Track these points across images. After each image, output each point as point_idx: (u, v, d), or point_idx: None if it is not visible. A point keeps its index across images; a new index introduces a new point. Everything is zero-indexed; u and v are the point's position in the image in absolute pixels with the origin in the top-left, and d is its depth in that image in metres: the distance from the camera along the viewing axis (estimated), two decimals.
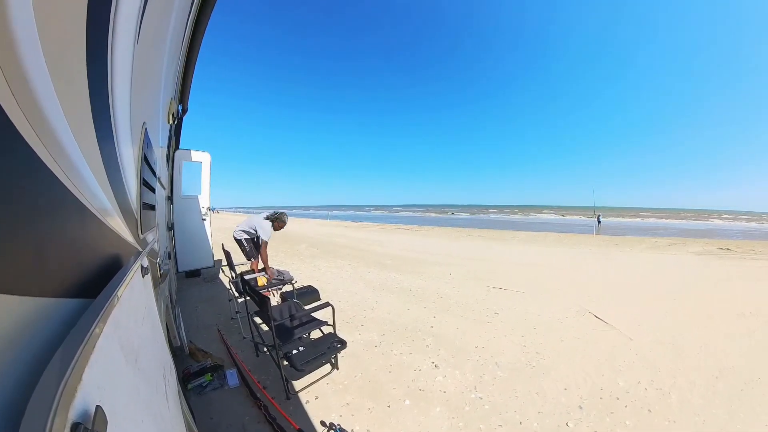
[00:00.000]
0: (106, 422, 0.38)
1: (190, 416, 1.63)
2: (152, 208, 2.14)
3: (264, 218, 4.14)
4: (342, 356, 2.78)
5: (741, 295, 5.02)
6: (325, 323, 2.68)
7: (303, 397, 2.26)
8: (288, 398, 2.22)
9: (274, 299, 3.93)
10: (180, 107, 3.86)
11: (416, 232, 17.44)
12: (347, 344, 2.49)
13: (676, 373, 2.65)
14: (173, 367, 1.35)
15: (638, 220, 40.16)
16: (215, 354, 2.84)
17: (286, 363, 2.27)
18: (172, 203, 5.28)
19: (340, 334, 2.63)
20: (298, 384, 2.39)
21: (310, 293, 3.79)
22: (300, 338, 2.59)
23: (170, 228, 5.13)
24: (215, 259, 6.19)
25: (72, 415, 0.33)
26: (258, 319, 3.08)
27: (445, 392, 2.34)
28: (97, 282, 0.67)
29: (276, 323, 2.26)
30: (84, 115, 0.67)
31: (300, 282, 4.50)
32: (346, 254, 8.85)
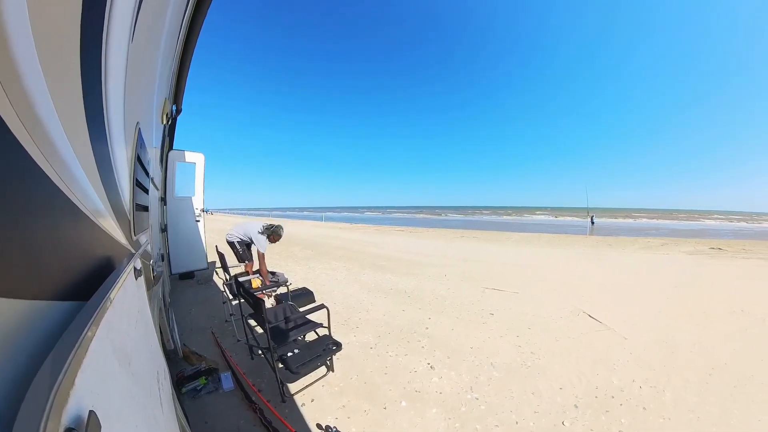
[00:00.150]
0: (99, 427, 0.37)
1: (185, 420, 1.61)
2: (145, 209, 2.11)
3: (259, 231, 4.06)
4: (337, 358, 2.77)
5: (733, 294, 5.12)
6: (320, 325, 2.67)
7: (298, 399, 2.25)
8: (283, 401, 2.20)
9: (269, 301, 3.91)
10: (174, 107, 3.82)
11: (411, 233, 17.47)
12: (342, 346, 2.50)
13: (670, 372, 2.69)
14: (167, 370, 1.33)
15: (631, 220, 40.68)
16: (209, 357, 2.81)
17: (281, 365, 2.26)
18: (165, 204, 5.22)
19: (336, 336, 2.63)
20: (293, 387, 2.38)
21: (304, 295, 3.77)
22: (295, 340, 2.58)
23: (163, 229, 5.06)
24: (209, 261, 6.15)
25: (65, 421, 0.32)
26: (252, 322, 3.06)
27: (441, 393, 2.35)
28: (89, 284, 0.66)
29: (271, 325, 2.24)
30: (77, 114, 0.66)
31: (295, 284, 4.48)
32: (340, 256, 8.84)
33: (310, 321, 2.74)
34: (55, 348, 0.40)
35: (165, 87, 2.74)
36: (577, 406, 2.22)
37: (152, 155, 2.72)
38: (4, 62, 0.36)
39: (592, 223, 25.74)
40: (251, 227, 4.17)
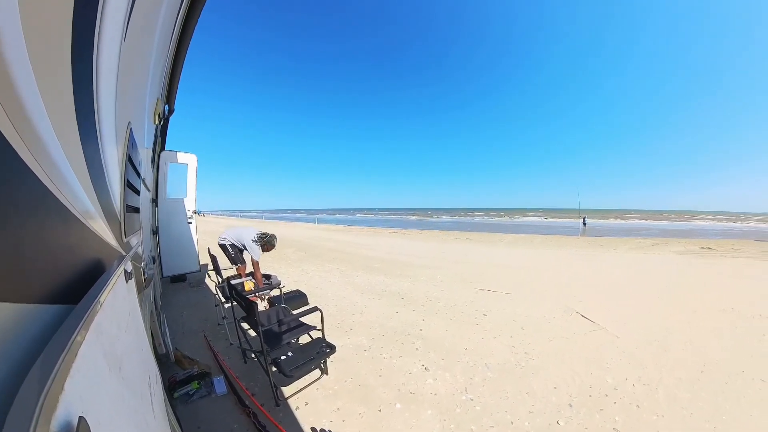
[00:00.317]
0: None
1: (177, 426, 1.59)
2: (136, 210, 2.09)
3: (252, 240, 4.01)
4: (331, 361, 2.75)
5: (723, 292, 5.23)
6: (314, 328, 2.66)
7: (293, 403, 2.23)
8: (277, 405, 2.18)
9: (262, 304, 3.87)
10: (166, 107, 3.78)
11: (404, 235, 17.49)
12: (336, 349, 2.48)
13: (663, 369, 2.73)
14: (159, 375, 1.31)
15: (622, 221, 41.34)
16: (202, 361, 2.77)
17: (274, 369, 2.23)
18: (156, 206, 5.16)
19: (329, 339, 2.62)
20: (287, 390, 2.36)
21: (298, 298, 3.75)
22: (288, 343, 2.56)
23: (155, 231, 5.00)
24: (201, 263, 6.07)
25: (54, 427, 0.32)
26: (245, 325, 3.03)
27: (435, 395, 2.35)
28: (78, 287, 0.65)
29: (264, 329, 2.23)
30: (67, 113, 0.65)
31: (288, 286, 4.45)
32: (334, 258, 8.81)
33: (303, 324, 2.72)
34: (43, 352, 0.39)
35: (157, 86, 2.71)
36: (571, 405, 2.24)
37: (144, 156, 2.69)
38: None
39: (584, 224, 26.07)
40: (245, 234, 4.11)
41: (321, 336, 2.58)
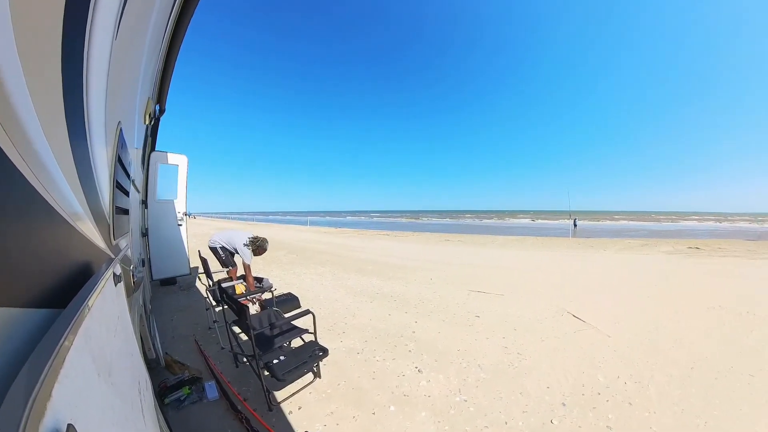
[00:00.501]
0: None
1: None
2: (126, 212, 2.06)
3: (244, 244, 3.98)
4: (324, 364, 2.74)
5: (711, 290, 5.36)
6: (306, 331, 2.64)
7: (285, 407, 2.21)
8: (270, 409, 2.16)
9: (253, 308, 3.84)
10: (157, 107, 3.72)
11: (395, 237, 17.52)
12: (329, 352, 2.47)
13: (653, 367, 2.78)
14: (149, 380, 1.29)
15: (612, 222, 42.07)
16: (193, 366, 2.73)
17: (266, 373, 2.22)
18: (146, 207, 5.09)
19: (322, 342, 2.60)
20: (280, 394, 2.33)
21: (289, 301, 3.73)
22: (280, 347, 2.54)
23: (144, 234, 4.95)
24: (191, 266, 5.99)
25: None
26: (237, 329, 3.00)
27: (429, 396, 2.35)
28: (66, 291, 0.64)
29: (255, 332, 2.20)
30: (56, 111, 0.63)
31: (279, 289, 4.42)
32: (326, 260, 8.78)
33: (295, 327, 2.70)
34: (30, 358, 0.38)
35: (149, 86, 2.67)
36: (564, 404, 2.26)
37: (134, 156, 2.65)
38: None
39: (575, 225, 26.44)
40: (236, 238, 4.06)
41: (313, 339, 2.56)
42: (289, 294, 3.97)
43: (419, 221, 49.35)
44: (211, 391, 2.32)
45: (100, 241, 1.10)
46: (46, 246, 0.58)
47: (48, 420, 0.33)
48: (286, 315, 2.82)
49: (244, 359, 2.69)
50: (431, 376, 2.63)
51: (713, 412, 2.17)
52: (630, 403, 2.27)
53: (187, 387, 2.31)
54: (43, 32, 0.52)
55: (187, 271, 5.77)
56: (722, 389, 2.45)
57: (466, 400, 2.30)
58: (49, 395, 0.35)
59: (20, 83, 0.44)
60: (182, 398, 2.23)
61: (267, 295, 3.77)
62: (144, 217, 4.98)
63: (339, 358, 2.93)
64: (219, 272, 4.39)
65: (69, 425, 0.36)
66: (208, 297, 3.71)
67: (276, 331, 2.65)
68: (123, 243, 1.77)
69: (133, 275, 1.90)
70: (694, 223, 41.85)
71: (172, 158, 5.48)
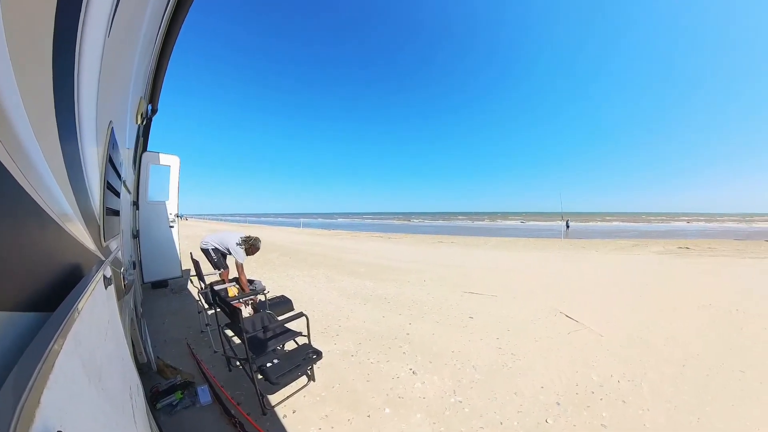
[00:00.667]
0: None
1: None
2: (116, 213, 2.03)
3: (237, 243, 3.95)
4: (318, 367, 2.72)
5: (701, 289, 5.47)
6: (300, 334, 2.62)
7: (280, 411, 2.19)
8: (264, 414, 2.13)
9: (246, 310, 3.80)
10: (150, 107, 3.67)
11: (388, 239, 17.51)
12: (323, 355, 2.45)
13: (646, 365, 2.83)
14: (140, 385, 1.27)
15: (603, 223, 42.65)
16: (185, 370, 2.70)
17: (260, 377, 2.20)
18: (137, 209, 5.03)
19: (315, 345, 2.59)
20: (273, 398, 2.31)
21: (283, 303, 3.70)
22: (274, 350, 2.52)
23: (135, 235, 4.88)
24: (183, 269, 5.93)
25: None
26: (229, 332, 2.97)
27: (424, 398, 2.35)
28: (55, 294, 0.63)
29: (248, 335, 2.18)
30: (46, 109, 0.62)
31: (272, 292, 4.39)
32: (319, 262, 8.75)
33: (289, 330, 2.68)
34: (18, 363, 0.37)
35: (141, 85, 2.64)
36: (559, 404, 2.28)
37: (125, 156, 2.61)
38: None
39: (567, 226, 26.75)
40: (228, 238, 4.05)
41: (307, 342, 2.55)
42: (282, 297, 3.94)
43: (412, 223, 49.48)
44: (204, 395, 2.29)
45: (90, 242, 1.08)
46: (35, 248, 0.57)
47: (37, 427, 0.32)
48: (280, 318, 2.80)
49: (237, 363, 2.66)
50: (426, 377, 2.63)
51: (705, 409, 2.22)
52: (624, 402, 2.30)
53: (180, 391, 2.27)
54: (34, 28, 0.51)
55: (179, 274, 5.70)
56: (714, 386, 2.50)
57: (461, 401, 2.31)
58: (38, 401, 0.34)
59: (10, 81, 0.43)
60: (174, 403, 2.19)
61: (260, 298, 3.75)
62: (135, 219, 4.92)
63: (333, 360, 2.91)
64: (211, 275, 4.34)
65: None
66: (200, 300, 3.66)
67: (269, 334, 2.62)
68: (113, 245, 1.74)
69: (123, 278, 1.88)
70: (684, 223, 42.68)
71: (164, 159, 5.41)
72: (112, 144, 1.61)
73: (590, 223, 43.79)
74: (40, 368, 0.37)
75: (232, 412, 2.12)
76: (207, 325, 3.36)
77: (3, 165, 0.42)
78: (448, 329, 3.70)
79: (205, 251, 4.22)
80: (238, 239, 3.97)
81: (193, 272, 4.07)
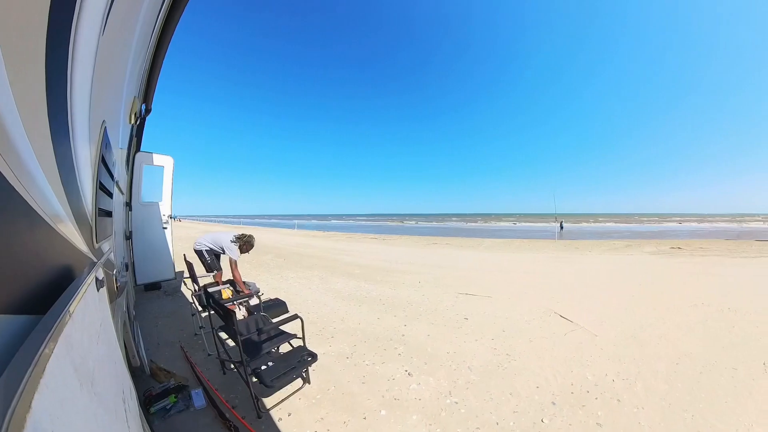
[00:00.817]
0: None
1: None
2: (109, 214, 2.00)
3: (231, 241, 4.01)
4: (313, 369, 2.71)
5: (693, 288, 5.55)
6: (294, 336, 2.61)
7: (275, 414, 2.17)
8: (259, 417, 2.11)
9: (240, 313, 3.78)
10: (143, 107, 3.63)
11: (383, 241, 17.51)
12: (318, 357, 2.44)
13: (640, 364, 2.86)
14: (133, 389, 1.25)
15: (596, 224, 43.12)
16: (179, 373, 2.67)
17: (255, 380, 2.18)
18: (130, 210, 4.98)
19: (310, 347, 2.58)
20: (268, 401, 2.29)
21: (277, 306, 3.69)
22: (268, 353, 2.50)
23: (128, 237, 4.82)
24: (177, 270, 5.86)
25: None
26: (223, 335, 2.94)
27: (420, 400, 2.34)
28: (46, 296, 0.61)
29: (243, 338, 2.17)
30: (38, 108, 0.61)
31: (267, 294, 4.37)
32: (313, 264, 8.72)
33: (283, 332, 2.66)
34: (8, 368, 0.36)
35: (135, 84, 2.61)
36: (554, 403, 2.29)
37: (118, 157, 2.58)
38: None
39: (561, 228, 26.97)
40: (222, 236, 4.09)
41: (302, 344, 2.53)
42: (277, 299, 3.93)
43: (406, 225, 49.56)
44: (198, 399, 2.26)
45: (82, 244, 1.06)
46: (26, 249, 0.56)
47: None
48: (274, 320, 2.78)
49: (232, 366, 2.64)
50: (421, 379, 2.63)
51: (699, 406, 2.25)
52: (618, 400, 2.32)
53: (174, 395, 2.25)
54: (27, 25, 0.50)
55: (172, 276, 5.65)
56: (707, 383, 2.54)
57: (457, 402, 2.31)
58: (29, 406, 0.33)
59: (2, 78, 0.42)
60: (168, 407, 2.16)
61: (254, 300, 3.73)
62: (128, 220, 4.86)
63: (328, 362, 2.90)
64: (205, 276, 4.31)
65: None
66: (193, 302, 3.63)
67: (264, 337, 2.61)
68: (106, 246, 1.72)
69: (116, 280, 1.85)
70: (676, 224, 43.33)
71: (158, 159, 5.37)
72: (105, 144, 1.59)
73: (583, 224, 44.25)
74: (31, 372, 0.36)
75: (227, 415, 2.10)
76: (201, 327, 3.33)
77: None
78: (443, 330, 3.71)
79: (199, 253, 4.19)
80: (232, 237, 4.02)
81: (186, 274, 4.04)
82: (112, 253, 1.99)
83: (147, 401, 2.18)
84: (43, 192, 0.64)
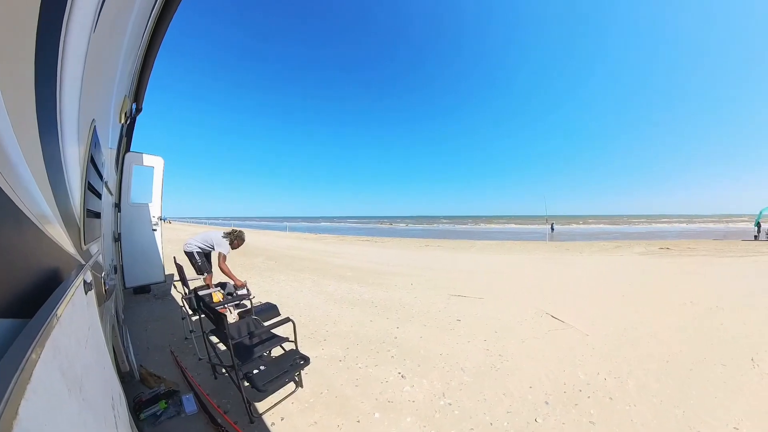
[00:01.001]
0: None
1: None
2: (97, 215, 1.96)
3: (221, 236, 4.08)
4: (306, 373, 2.68)
5: (682, 288, 5.68)
6: (287, 339, 2.59)
7: (267, 419, 2.14)
8: (251, 422, 2.09)
9: (231, 316, 3.74)
10: (134, 106, 3.57)
11: (375, 243, 17.53)
12: (310, 360, 2.43)
13: (631, 362, 2.91)
14: (123, 395, 1.22)
15: (586, 226, 43.79)
16: (169, 378, 2.62)
17: (246, 384, 2.16)
18: (119, 211, 4.88)
19: (303, 350, 2.57)
20: (261, 406, 2.27)
21: (269, 309, 3.67)
22: (260, 357, 2.48)
23: (117, 239, 4.73)
24: (166, 273, 5.76)
25: None
26: (214, 338, 2.91)
27: (414, 402, 2.34)
28: (33, 299, 0.60)
29: (234, 342, 2.14)
30: (26, 105, 0.59)
31: (258, 297, 4.34)
32: (305, 267, 8.69)
33: (275, 335, 2.65)
34: None
35: (126, 83, 2.56)
36: (547, 403, 2.31)
37: (107, 157, 2.54)
38: None
39: (552, 229, 27.34)
40: (212, 234, 4.22)
41: (294, 348, 2.52)
42: (268, 303, 3.91)
43: (397, 227, 49.71)
44: (189, 404, 2.23)
45: (70, 246, 1.04)
46: (11, 251, 0.54)
47: None
48: (266, 323, 2.76)
49: (223, 370, 2.60)
50: (415, 381, 2.63)
51: (690, 402, 2.30)
52: (611, 398, 2.36)
53: (164, 401, 2.21)
54: (17, 20, 0.49)
55: (162, 279, 5.55)
56: (697, 379, 2.60)
57: (450, 404, 2.31)
58: (16, 413, 0.32)
59: None
60: (159, 413, 2.12)
61: (246, 303, 3.70)
62: (117, 221, 4.77)
63: (321, 366, 2.88)
64: (195, 279, 4.26)
65: None
66: (184, 305, 3.58)
67: (255, 340, 2.59)
68: (94, 248, 1.68)
69: (104, 283, 1.81)
70: (665, 225, 44.27)
71: (148, 160, 5.28)
72: (95, 143, 1.56)
73: (573, 226, 44.92)
74: (18, 378, 0.36)
75: (219, 421, 2.07)
76: (191, 331, 3.29)
77: None
78: (436, 332, 3.72)
79: (190, 254, 4.15)
80: (222, 233, 4.13)
81: (176, 277, 3.99)
82: (101, 256, 1.95)
83: (137, 407, 2.13)
84: (30, 192, 0.62)
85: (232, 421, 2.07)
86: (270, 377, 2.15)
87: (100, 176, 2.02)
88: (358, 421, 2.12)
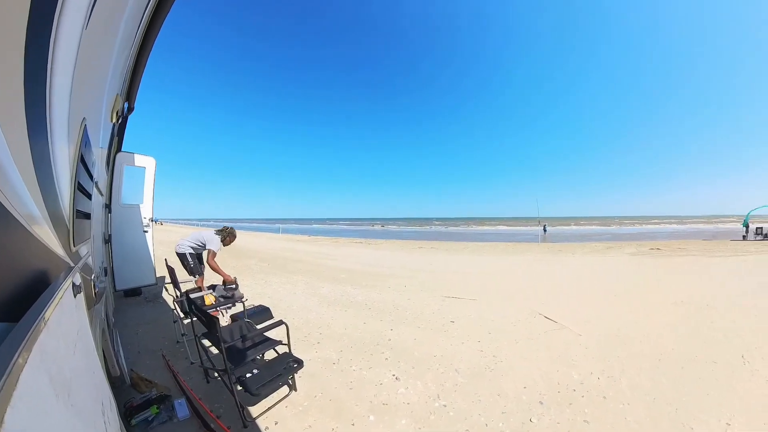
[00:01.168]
0: None
1: None
2: (87, 216, 1.93)
3: (214, 233, 4.12)
4: (299, 376, 2.66)
5: (674, 287, 5.78)
6: (280, 342, 2.58)
7: (261, 423, 2.12)
8: (245, 426, 2.06)
9: (224, 319, 3.70)
10: (126, 105, 3.53)
11: (368, 245, 17.52)
12: (304, 363, 2.42)
13: (624, 361, 2.95)
14: (113, 400, 1.20)
15: (578, 227, 44.35)
16: (161, 383, 2.58)
17: (239, 388, 2.13)
18: (110, 212, 4.81)
19: (296, 353, 2.55)
20: (254, 410, 2.24)
21: (261, 312, 3.64)
22: (253, 360, 2.46)
23: (107, 240, 4.67)
24: (158, 276, 5.70)
25: None
26: (207, 342, 2.87)
27: (408, 404, 2.34)
28: (20, 302, 0.59)
29: (226, 345, 2.12)
30: (15, 102, 0.58)
31: (251, 300, 4.31)
32: (298, 269, 8.66)
33: (268, 338, 2.63)
34: None
35: (118, 82, 2.53)
36: (542, 403, 2.33)
37: (98, 156, 2.50)
38: None
39: (545, 231, 27.61)
40: (203, 233, 4.23)
41: (287, 351, 2.50)
42: (261, 306, 3.88)
43: (390, 229, 49.79)
44: (182, 409, 2.19)
45: (59, 247, 1.01)
46: None
47: None
48: (259, 326, 2.74)
49: (216, 374, 2.57)
50: (409, 383, 2.63)
51: (682, 399, 2.34)
52: (604, 397, 2.38)
53: (156, 406, 2.17)
54: (6, 15, 0.48)
55: (153, 281, 5.49)
56: (689, 377, 2.64)
57: (445, 405, 2.31)
58: (1, 420, 0.32)
59: None
60: (150, 418, 2.09)
61: (238, 307, 3.67)
62: (107, 223, 4.70)
63: (315, 369, 2.86)
64: (187, 282, 4.21)
65: None
66: (175, 308, 3.54)
67: (248, 344, 2.56)
68: (84, 250, 1.65)
69: (94, 285, 1.78)
70: (655, 226, 45.02)
71: (139, 160, 5.22)
72: (85, 142, 1.53)
73: (565, 227, 45.45)
74: (4, 383, 0.35)
75: (212, 425, 2.04)
76: (183, 335, 3.24)
77: None
78: (430, 334, 3.73)
79: (181, 255, 4.10)
80: (213, 231, 4.18)
81: (168, 279, 3.94)
82: (90, 257, 1.91)
83: (128, 413, 2.10)
84: (18, 191, 0.61)
85: (225, 425, 2.04)
86: (263, 381, 2.13)
87: (91, 176, 1.99)
88: (353, 424, 2.11)
